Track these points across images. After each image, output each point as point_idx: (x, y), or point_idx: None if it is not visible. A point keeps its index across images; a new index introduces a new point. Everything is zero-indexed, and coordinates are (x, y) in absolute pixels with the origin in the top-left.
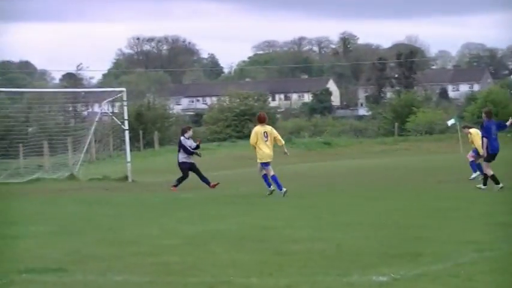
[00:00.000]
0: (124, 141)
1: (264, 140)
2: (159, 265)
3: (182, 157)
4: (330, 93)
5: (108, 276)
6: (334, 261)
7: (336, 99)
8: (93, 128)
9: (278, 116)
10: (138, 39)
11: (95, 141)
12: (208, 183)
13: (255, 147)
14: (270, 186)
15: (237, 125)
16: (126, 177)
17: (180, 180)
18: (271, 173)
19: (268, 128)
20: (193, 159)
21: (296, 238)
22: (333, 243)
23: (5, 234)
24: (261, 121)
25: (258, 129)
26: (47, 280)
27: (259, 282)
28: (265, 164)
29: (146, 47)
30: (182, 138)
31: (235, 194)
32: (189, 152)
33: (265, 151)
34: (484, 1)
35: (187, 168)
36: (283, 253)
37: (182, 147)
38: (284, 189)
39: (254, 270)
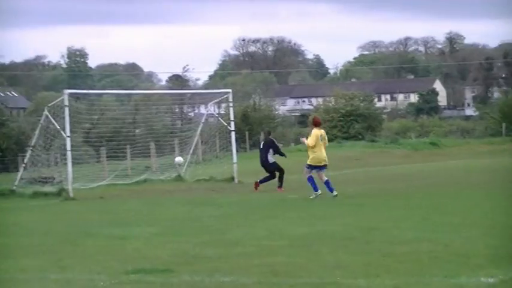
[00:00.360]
0: (230, 142)
1: (320, 144)
2: (265, 266)
3: (271, 157)
4: (436, 94)
5: (215, 277)
6: (442, 263)
7: (442, 100)
8: (199, 129)
9: (384, 116)
10: (243, 40)
11: (201, 142)
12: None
13: (312, 150)
14: (317, 190)
15: (343, 126)
16: (232, 178)
17: (270, 179)
18: (324, 178)
19: (323, 131)
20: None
21: (403, 239)
22: (441, 244)
23: (114, 235)
24: (318, 124)
25: (317, 133)
26: (154, 281)
27: (366, 283)
28: (320, 168)
29: (252, 48)
30: (274, 139)
31: (341, 195)
32: (280, 153)
33: (322, 154)
34: None
35: (276, 168)
36: (390, 254)
37: (274, 147)
38: (335, 193)
39: (361, 272)
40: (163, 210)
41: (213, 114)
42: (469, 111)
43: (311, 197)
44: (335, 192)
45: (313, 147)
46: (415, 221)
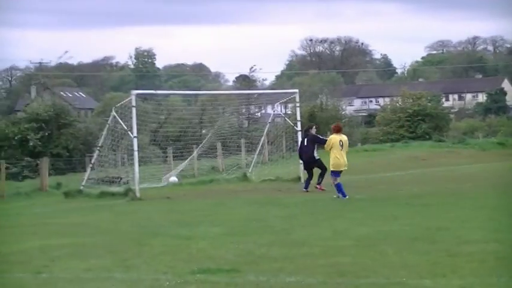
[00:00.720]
0: (296, 142)
1: (339, 149)
2: (330, 266)
3: (316, 153)
4: (504, 93)
5: (281, 277)
6: (508, 263)
7: (510, 99)
8: (266, 129)
9: (451, 116)
10: (310, 40)
11: (268, 142)
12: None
13: (334, 156)
14: (345, 196)
15: (410, 126)
16: (298, 178)
17: (321, 176)
18: (338, 180)
19: (344, 137)
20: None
21: (469, 239)
22: (507, 244)
23: (180, 235)
24: (338, 130)
25: (334, 138)
26: (219, 280)
27: (432, 283)
28: (337, 173)
29: (319, 48)
30: (315, 134)
31: (408, 195)
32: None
33: (341, 160)
34: None
35: (320, 165)
36: (456, 254)
37: (321, 141)
38: (347, 196)
39: (427, 272)
40: (229, 210)
41: (279, 114)
42: None
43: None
44: (347, 196)
45: (331, 151)
46: (481, 221)
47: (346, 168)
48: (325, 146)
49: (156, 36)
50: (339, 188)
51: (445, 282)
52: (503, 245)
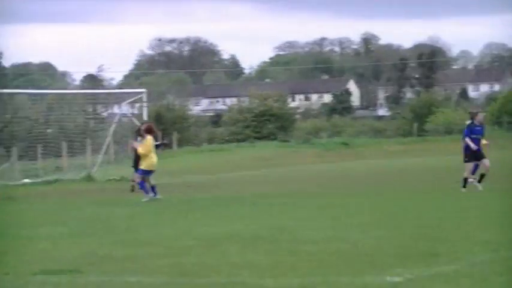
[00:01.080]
0: None
1: (154, 150)
2: (174, 266)
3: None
4: (349, 94)
5: (123, 277)
6: (349, 262)
7: (356, 100)
8: (111, 129)
9: (297, 116)
10: (159, 40)
11: (114, 142)
12: None
13: (147, 157)
14: (148, 193)
15: (256, 126)
16: None
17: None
18: (153, 182)
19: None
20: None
21: (311, 238)
22: (349, 243)
23: (21, 235)
24: (151, 132)
25: (150, 139)
26: (61, 281)
27: (273, 282)
28: (148, 173)
29: (168, 48)
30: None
31: (253, 195)
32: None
33: (154, 160)
34: (507, 1)
35: None
36: (298, 253)
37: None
38: (159, 196)
39: (268, 271)
40: (74, 210)
41: (126, 114)
42: (382, 112)
43: (143, 200)
44: (159, 196)
45: (146, 154)
46: (324, 220)
47: (155, 169)
48: (143, 151)
49: (3, 34)
50: (142, 185)
51: (286, 281)
52: (344, 243)
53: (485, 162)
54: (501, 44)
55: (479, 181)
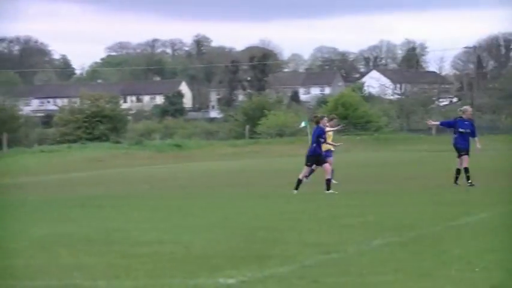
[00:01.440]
0: None
1: None
2: (4, 269)
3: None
4: (182, 96)
5: None
6: (182, 264)
7: (188, 102)
8: None
9: (129, 118)
10: None
11: None
12: None
13: None
14: None
15: (87, 127)
16: None
17: None
18: None
19: None
20: None
21: (144, 240)
22: (181, 245)
23: None
24: None
25: None
26: None
27: (106, 285)
28: None
29: None
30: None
31: (83, 197)
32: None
33: None
34: (336, 5)
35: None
36: (131, 256)
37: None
38: None
39: (100, 273)
40: None
41: None
42: (214, 114)
43: None
44: None
45: None
46: (157, 222)
47: None
48: None
49: None
50: None
51: (119, 283)
52: (177, 245)
53: (465, 158)
54: (332, 47)
55: (467, 178)
